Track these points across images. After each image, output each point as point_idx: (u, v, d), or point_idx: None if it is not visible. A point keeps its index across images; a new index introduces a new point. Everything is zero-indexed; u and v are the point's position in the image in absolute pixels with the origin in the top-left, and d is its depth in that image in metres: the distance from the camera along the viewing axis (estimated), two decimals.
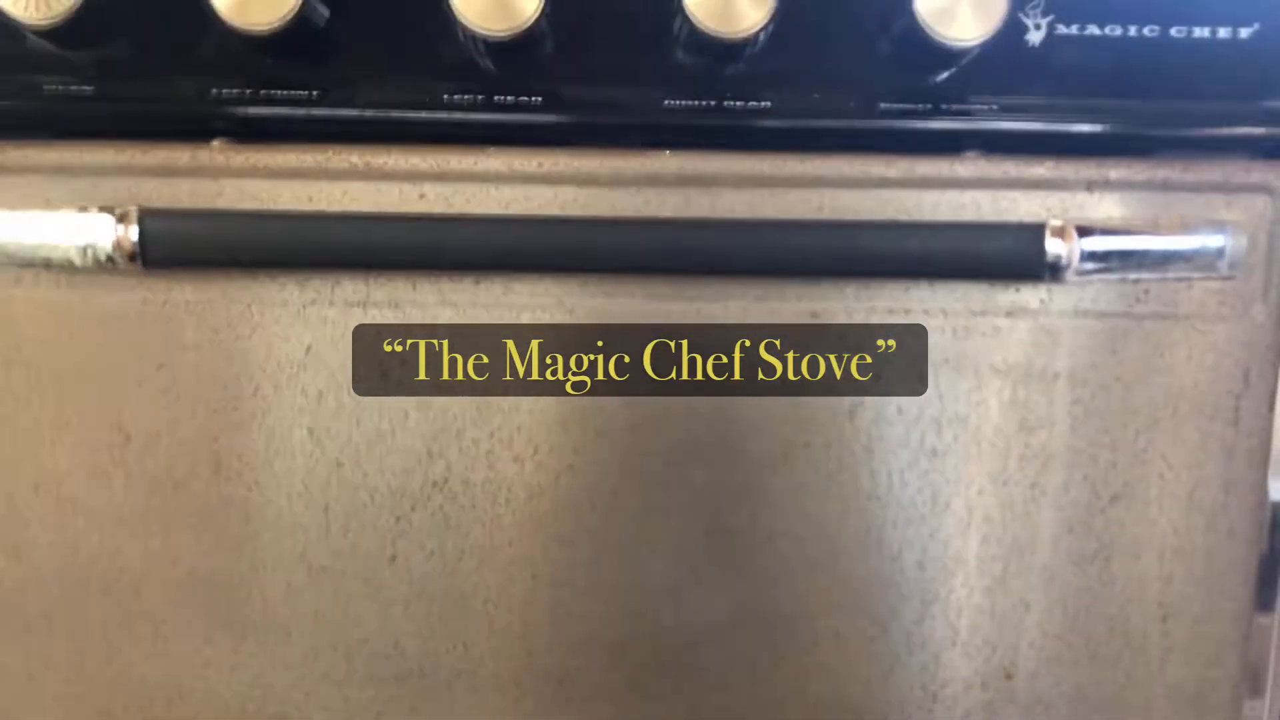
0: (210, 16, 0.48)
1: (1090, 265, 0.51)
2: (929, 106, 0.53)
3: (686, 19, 0.49)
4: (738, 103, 0.53)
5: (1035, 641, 0.56)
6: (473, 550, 0.55)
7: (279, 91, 0.52)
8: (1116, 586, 0.56)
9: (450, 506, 0.54)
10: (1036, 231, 0.50)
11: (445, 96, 0.52)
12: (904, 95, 0.53)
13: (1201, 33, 0.54)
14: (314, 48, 0.52)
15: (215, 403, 0.53)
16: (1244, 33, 0.54)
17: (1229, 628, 0.56)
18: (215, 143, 0.52)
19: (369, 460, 0.53)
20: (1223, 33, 0.54)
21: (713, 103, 0.53)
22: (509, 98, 0.52)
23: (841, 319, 0.53)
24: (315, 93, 0.52)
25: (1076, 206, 0.52)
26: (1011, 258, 0.50)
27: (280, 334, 0.52)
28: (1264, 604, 0.58)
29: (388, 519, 0.54)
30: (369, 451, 0.54)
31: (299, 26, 0.49)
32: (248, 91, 0.52)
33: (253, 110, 0.52)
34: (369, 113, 0.52)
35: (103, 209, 0.49)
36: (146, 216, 0.48)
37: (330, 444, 0.53)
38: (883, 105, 0.53)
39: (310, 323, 0.52)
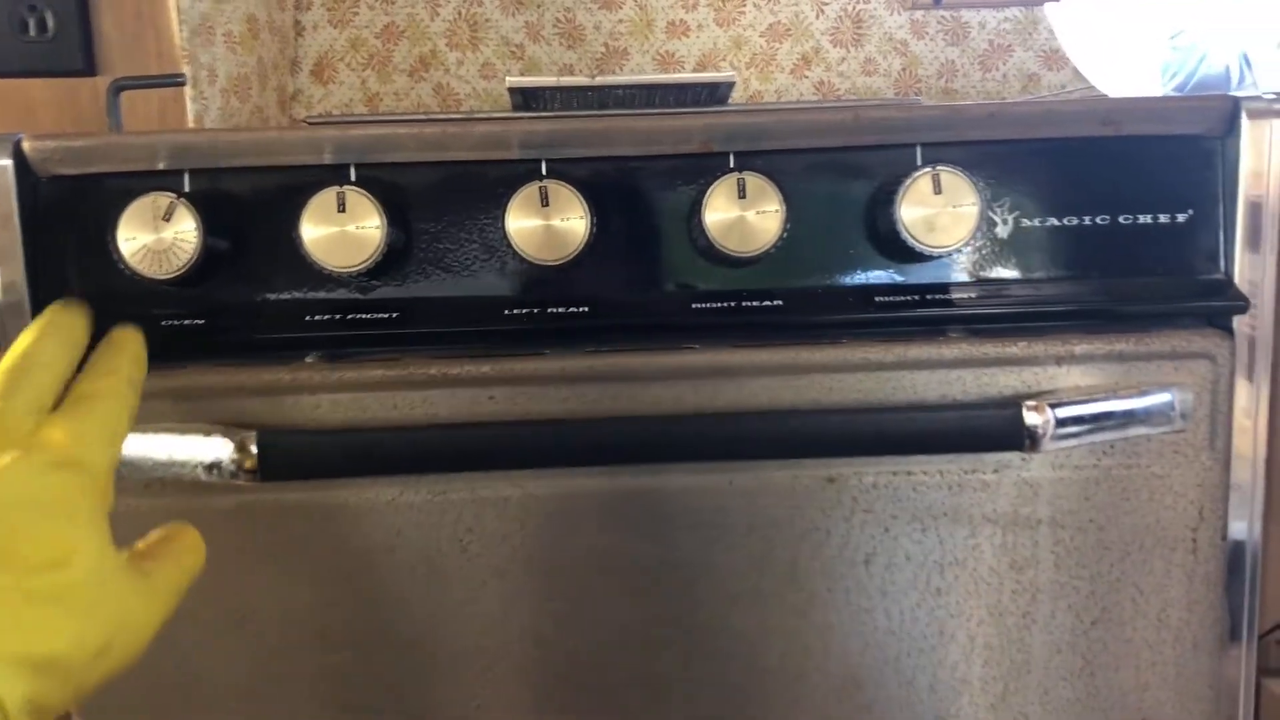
0: (304, 259, 0.57)
1: (1063, 431, 0.60)
2: (916, 297, 0.62)
3: (709, 241, 0.58)
4: (754, 303, 0.62)
5: None
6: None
7: (364, 314, 0.60)
8: (1101, 697, 0.64)
9: (531, 664, 0.62)
10: (1016, 410, 0.59)
11: (505, 311, 0.61)
12: (894, 289, 0.62)
13: (1145, 219, 0.63)
14: (393, 277, 0.60)
15: (320, 584, 0.61)
16: (1180, 218, 0.63)
17: None
18: (310, 359, 0.60)
19: (460, 632, 0.62)
20: (1163, 218, 0.63)
21: (732, 304, 0.62)
22: (560, 308, 0.61)
23: (853, 482, 0.62)
24: (396, 314, 0.61)
25: (1048, 379, 0.61)
26: (996, 433, 0.59)
27: (374, 522, 0.61)
28: (1228, 699, 0.67)
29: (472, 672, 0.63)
30: (452, 616, 0.62)
31: (380, 262, 0.58)
32: (338, 316, 0.60)
33: (342, 333, 0.60)
34: (442, 329, 0.61)
35: (225, 431, 0.57)
36: (264, 441, 0.57)
37: (419, 608, 0.62)
38: (878, 299, 0.62)
39: (399, 510, 0.61)
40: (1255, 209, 0.62)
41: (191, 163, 0.60)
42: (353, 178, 0.60)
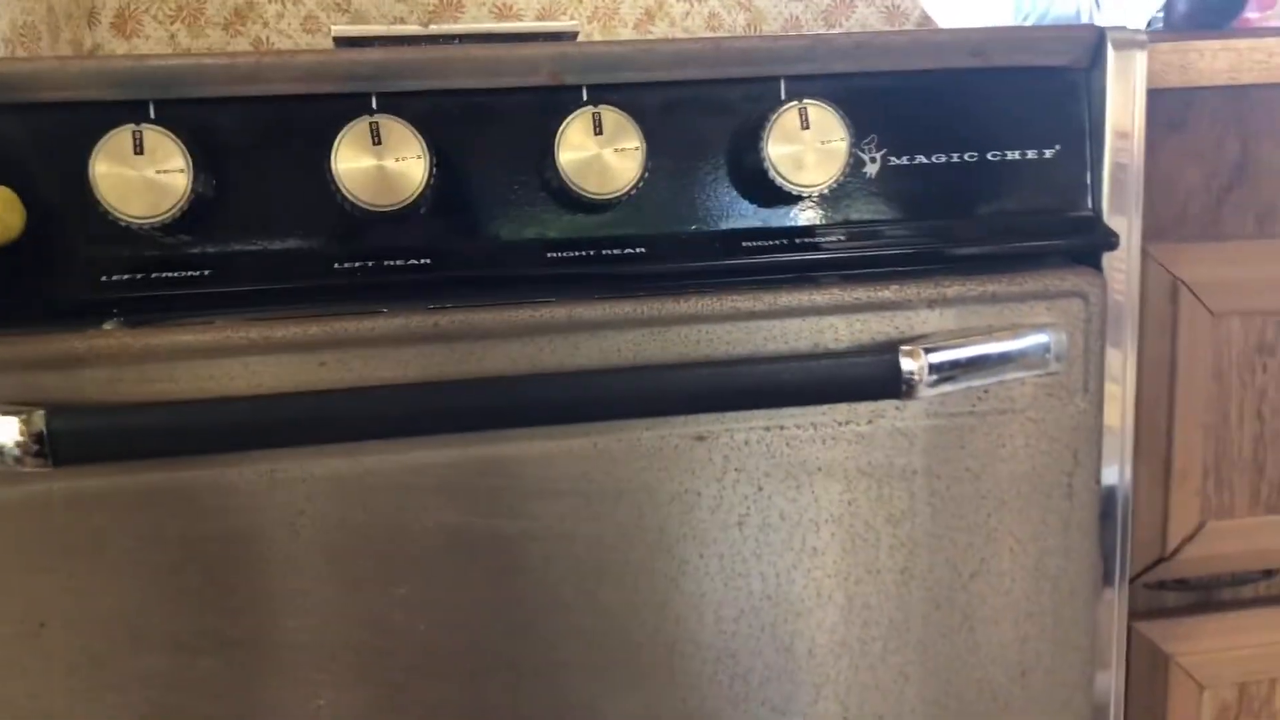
0: (96, 209, 0.49)
1: (938, 377, 0.57)
2: (785, 241, 0.58)
3: (564, 181, 0.53)
4: (615, 250, 0.57)
5: (916, 708, 0.62)
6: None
7: (170, 273, 0.53)
8: (981, 651, 0.62)
9: (378, 656, 0.56)
10: (892, 356, 0.56)
11: (335, 264, 0.54)
12: (762, 233, 0.58)
13: (1013, 155, 0.61)
14: (205, 228, 0.53)
15: (130, 584, 0.53)
16: (1048, 153, 0.61)
17: (1077, 675, 0.64)
18: (108, 325, 0.53)
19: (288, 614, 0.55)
20: (1030, 154, 0.61)
21: (592, 252, 0.56)
22: (398, 261, 0.55)
23: (724, 440, 0.58)
24: (208, 271, 0.53)
25: (920, 323, 0.59)
26: (873, 380, 0.56)
27: (193, 511, 0.53)
28: (1101, 645, 0.66)
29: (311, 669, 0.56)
30: (286, 606, 0.55)
31: (188, 211, 0.50)
32: (138, 276, 0.53)
33: (144, 294, 0.53)
34: (262, 286, 0.54)
35: (8, 410, 0.49)
36: (53, 418, 0.49)
37: (247, 601, 0.55)
38: (745, 244, 0.58)
39: (221, 494, 0.54)
40: (1122, 141, 0.61)
41: None
42: (151, 115, 0.52)
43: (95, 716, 0.55)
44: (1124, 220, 0.62)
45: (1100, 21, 0.87)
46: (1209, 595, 0.72)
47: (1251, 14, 0.88)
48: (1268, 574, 0.72)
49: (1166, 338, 0.65)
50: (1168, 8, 0.86)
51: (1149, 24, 0.89)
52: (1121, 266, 0.62)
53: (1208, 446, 0.67)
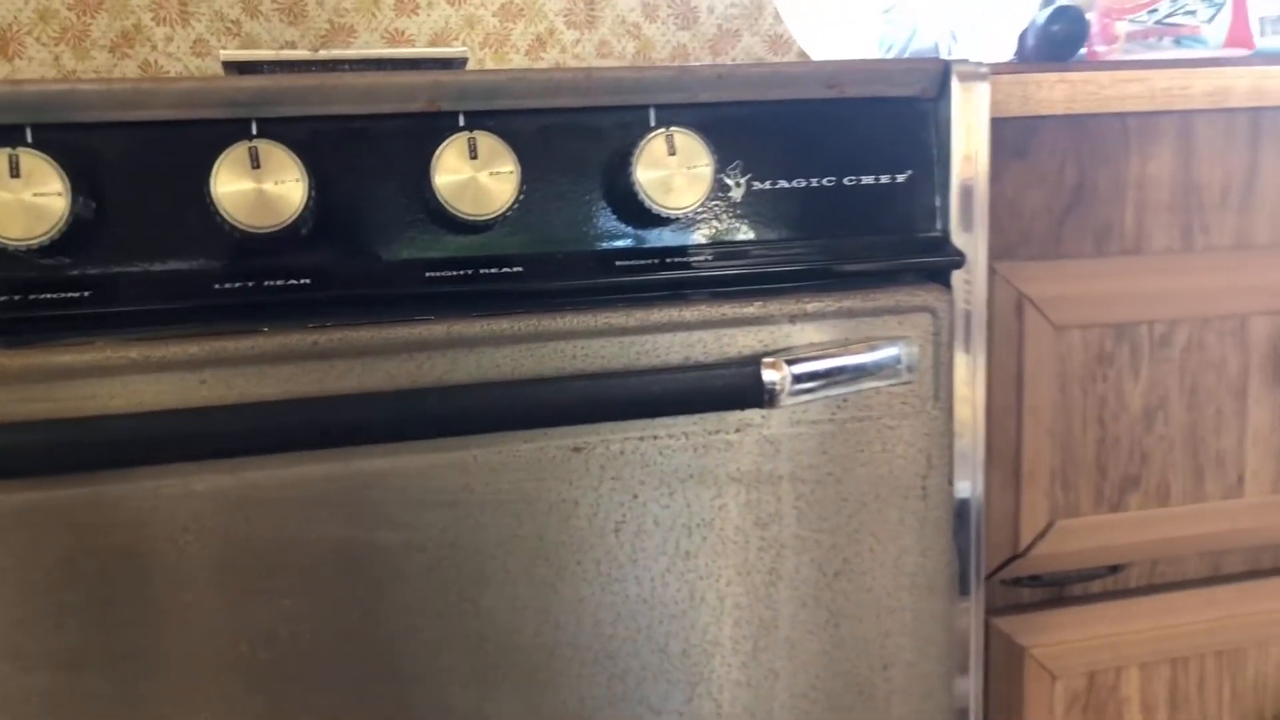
0: None
1: (799, 386, 0.61)
2: (656, 261, 0.61)
3: (441, 203, 0.55)
4: (492, 269, 0.59)
5: (785, 703, 0.65)
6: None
7: (48, 294, 0.54)
8: (846, 647, 0.66)
9: (265, 668, 0.57)
10: (754, 367, 0.59)
11: (215, 285, 0.56)
12: (634, 253, 0.61)
13: (868, 180, 0.65)
14: (84, 250, 0.54)
15: (10, 602, 0.54)
16: (900, 178, 0.66)
17: (937, 666, 0.68)
18: None
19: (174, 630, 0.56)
20: (884, 179, 0.65)
21: (469, 271, 0.59)
22: (278, 281, 0.56)
23: (600, 450, 0.60)
24: (87, 292, 0.54)
25: (784, 337, 0.62)
26: (738, 392, 0.59)
27: (72, 525, 0.54)
28: (960, 639, 0.70)
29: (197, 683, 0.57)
30: (171, 620, 0.56)
31: (67, 232, 0.51)
32: (15, 297, 0.53)
33: (22, 315, 0.53)
34: (142, 306, 0.55)
35: None
36: None
37: (132, 616, 0.56)
38: (618, 263, 0.61)
39: (102, 509, 0.54)
40: (968, 166, 0.65)
41: None
42: (29, 139, 0.53)
43: None
44: (972, 240, 0.66)
45: (957, 54, 0.92)
46: (1061, 591, 0.77)
47: (1099, 47, 0.94)
48: (1114, 569, 0.77)
49: (1014, 349, 0.70)
50: (1020, 41, 0.92)
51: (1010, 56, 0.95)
52: (971, 284, 0.67)
53: (1054, 451, 0.72)
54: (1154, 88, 0.70)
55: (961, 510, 0.68)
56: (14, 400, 0.53)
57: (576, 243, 0.60)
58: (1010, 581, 0.76)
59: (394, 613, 0.59)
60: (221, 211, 0.53)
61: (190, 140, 0.55)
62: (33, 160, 0.51)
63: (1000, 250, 0.70)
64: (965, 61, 0.65)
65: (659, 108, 0.61)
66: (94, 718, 0.56)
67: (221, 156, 0.53)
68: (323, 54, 0.80)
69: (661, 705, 0.63)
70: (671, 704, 0.64)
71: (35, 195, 0.51)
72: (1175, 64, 0.71)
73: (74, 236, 0.52)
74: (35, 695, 0.55)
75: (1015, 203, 0.70)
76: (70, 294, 0.54)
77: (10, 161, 0.50)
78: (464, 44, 1.23)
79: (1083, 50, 0.86)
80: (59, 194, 0.51)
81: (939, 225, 0.66)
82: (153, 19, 1.14)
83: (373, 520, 0.58)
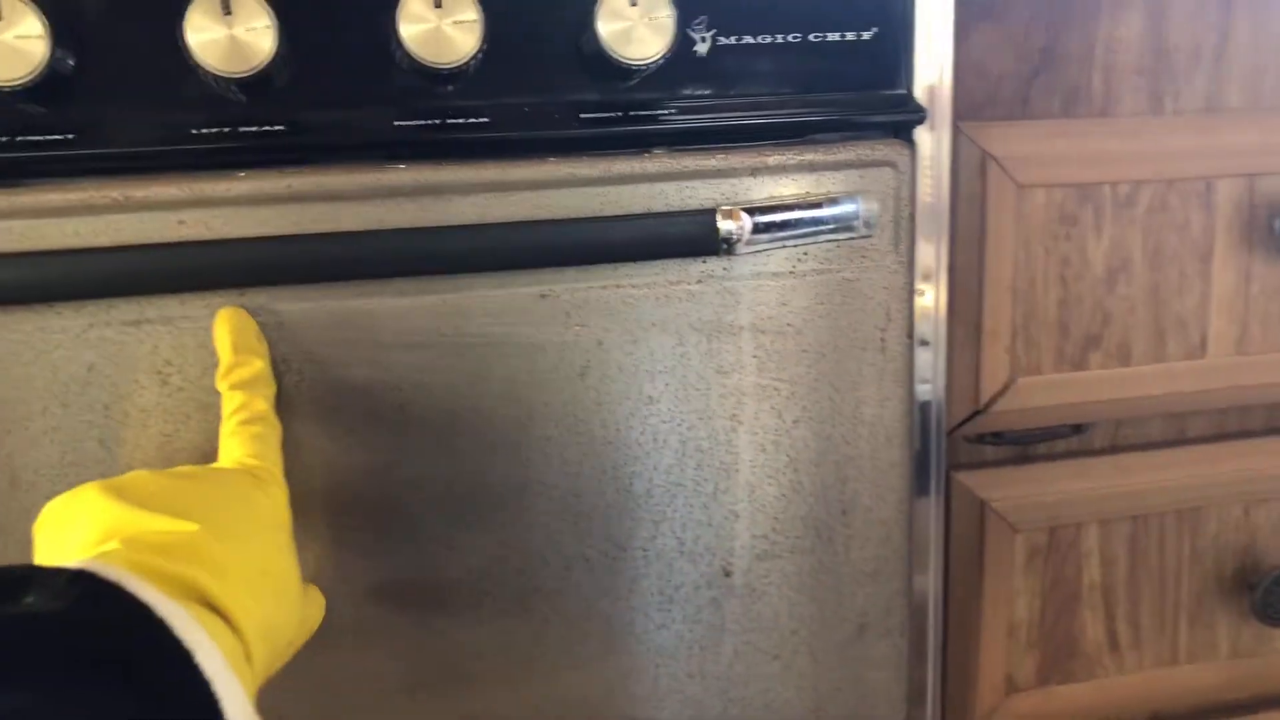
0: None
1: (757, 237, 0.63)
2: (621, 114, 0.63)
3: (405, 51, 0.57)
4: (459, 119, 0.61)
5: (746, 544, 0.69)
6: None
7: (35, 136, 0.56)
8: (805, 491, 0.69)
9: None
10: (710, 216, 0.61)
11: (193, 130, 0.58)
12: (600, 105, 0.63)
13: (834, 36, 0.66)
14: (65, 94, 0.56)
15: (7, 424, 0.58)
16: (866, 35, 0.67)
17: (894, 514, 0.71)
18: None
19: (157, 462, 0.60)
20: (850, 35, 0.66)
21: (437, 121, 0.61)
22: (254, 127, 0.59)
23: (566, 298, 0.63)
24: (71, 135, 0.57)
25: (744, 189, 0.64)
26: (693, 239, 0.61)
27: (64, 356, 0.57)
28: (921, 494, 0.73)
29: None
30: (157, 454, 0.60)
31: (48, 77, 0.54)
32: (3, 138, 0.56)
33: (10, 155, 0.56)
34: (123, 149, 0.58)
35: None
36: None
37: (120, 450, 0.59)
38: (583, 115, 0.62)
39: (90, 343, 0.58)
40: (935, 25, 0.66)
41: None
42: None
43: None
44: (936, 98, 0.68)
45: None
46: (1025, 450, 0.80)
47: None
48: (1077, 429, 0.79)
49: (977, 208, 0.72)
50: None
51: None
52: (934, 140, 0.68)
53: (1016, 308, 0.73)
54: None
55: (922, 363, 0.70)
56: (4, 236, 0.56)
57: (542, 94, 0.62)
58: (974, 439, 0.78)
59: (368, 449, 0.62)
60: (195, 58, 0.55)
61: None
62: (12, 2, 0.53)
63: (966, 111, 0.71)
64: None
65: None
66: None
67: (193, 2, 0.55)
68: None
69: (626, 542, 0.67)
70: (636, 540, 0.67)
71: (16, 38, 0.53)
72: None
73: (54, 80, 0.55)
74: (25, 516, 0.59)
75: (983, 64, 0.71)
76: (54, 136, 0.57)
77: None
78: None
79: None
80: (40, 37, 0.53)
81: (903, 83, 0.67)
82: None
83: (345, 358, 0.61)
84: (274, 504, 0.53)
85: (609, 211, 0.63)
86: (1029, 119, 0.72)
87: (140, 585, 0.40)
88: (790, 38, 0.65)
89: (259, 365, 0.57)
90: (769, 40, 0.65)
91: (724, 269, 0.65)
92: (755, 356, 0.66)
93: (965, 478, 0.77)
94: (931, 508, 0.74)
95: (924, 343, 0.71)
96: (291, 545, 0.53)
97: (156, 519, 0.46)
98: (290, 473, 0.60)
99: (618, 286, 0.64)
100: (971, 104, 0.72)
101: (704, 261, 0.64)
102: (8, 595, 0.38)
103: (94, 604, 0.39)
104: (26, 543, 0.58)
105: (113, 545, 0.44)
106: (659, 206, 0.63)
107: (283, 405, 0.60)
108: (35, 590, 0.38)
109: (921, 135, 0.68)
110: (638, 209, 0.63)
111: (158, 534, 0.45)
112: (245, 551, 0.48)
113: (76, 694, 0.35)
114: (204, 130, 0.58)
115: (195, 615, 0.41)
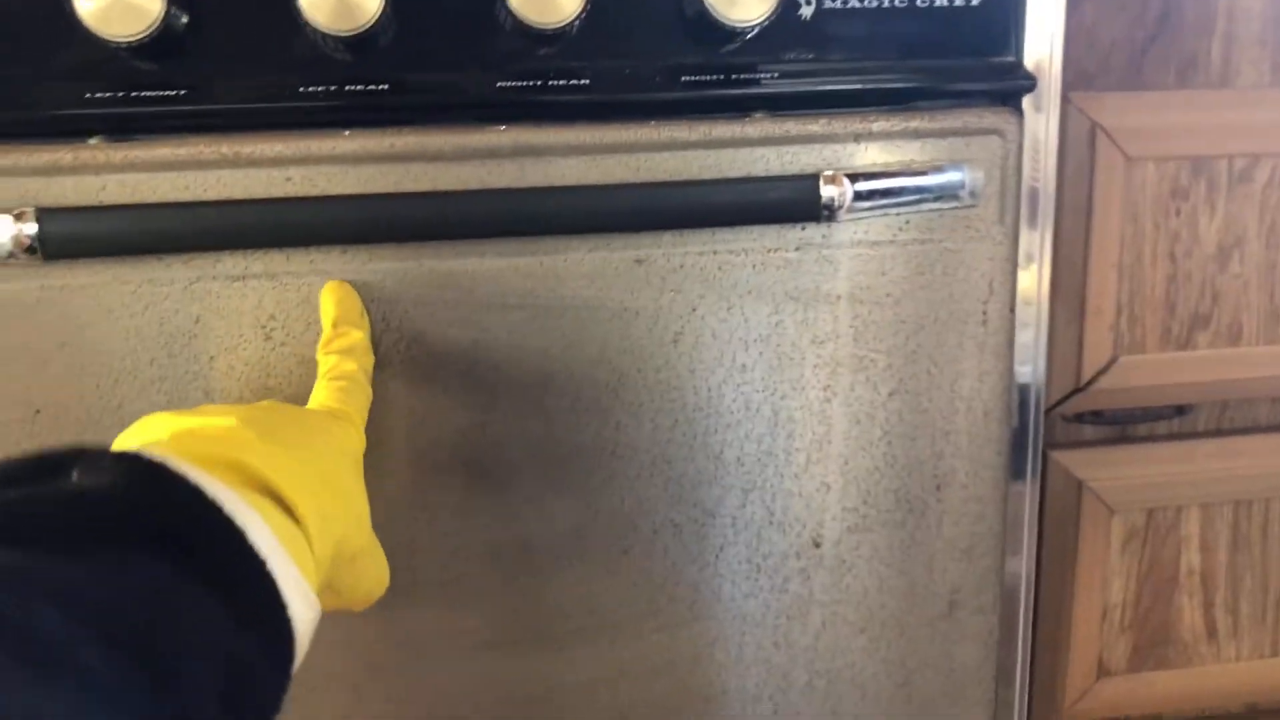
0: (79, 28, 0.54)
1: (859, 204, 0.62)
2: (722, 77, 0.62)
3: (510, 13, 0.57)
4: (560, 81, 0.61)
5: (836, 515, 0.68)
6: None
7: (149, 92, 0.58)
8: (898, 465, 0.68)
9: None
10: (813, 181, 0.60)
11: (300, 88, 0.59)
12: (700, 68, 0.62)
13: (941, 1, 0.64)
14: (177, 51, 0.57)
15: (117, 373, 0.59)
16: (975, 1, 0.65)
17: (990, 491, 0.69)
18: (93, 140, 0.57)
19: None
20: (959, 2, 0.65)
21: (539, 82, 0.61)
22: (359, 86, 0.59)
23: (661, 263, 0.63)
24: (182, 91, 0.58)
25: (847, 155, 0.63)
26: (795, 204, 0.61)
27: (170, 308, 0.59)
28: (1017, 472, 0.72)
29: None
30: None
31: (162, 34, 0.55)
32: (119, 94, 0.57)
33: (123, 110, 0.57)
34: (232, 106, 0.58)
35: (1, 210, 0.54)
36: (44, 215, 0.54)
37: (223, 402, 0.61)
38: (684, 78, 0.62)
39: (197, 296, 0.59)
40: None
41: None
42: None
43: None
44: (1045, 66, 0.66)
45: None
46: (1124, 430, 0.78)
47: None
48: (1180, 411, 0.77)
49: (1084, 180, 0.70)
50: None
51: None
52: (1043, 111, 0.66)
53: (1121, 285, 0.71)
54: None
55: (1023, 339, 0.68)
56: (118, 188, 0.57)
57: (642, 56, 0.62)
58: (1072, 418, 0.76)
59: (462, 408, 0.63)
60: (304, 15, 0.56)
61: None
62: None
63: (1077, 80, 0.69)
64: None
65: None
66: None
67: None
68: None
69: (715, 509, 0.67)
70: (725, 508, 0.67)
71: None
72: None
73: (169, 37, 0.56)
74: None
75: (1094, 32, 0.69)
76: (167, 92, 0.58)
77: None
78: None
79: None
80: None
81: (1012, 50, 0.65)
82: None
83: (443, 317, 0.61)
84: (346, 435, 0.52)
85: (708, 176, 0.62)
86: (1142, 90, 0.70)
87: (188, 468, 0.39)
88: (897, 2, 0.64)
89: (357, 336, 0.58)
90: (875, 4, 0.64)
91: (823, 236, 0.64)
92: (852, 326, 0.65)
93: (1062, 456, 0.76)
94: (1027, 486, 0.72)
95: (1023, 320, 0.69)
96: (360, 474, 0.52)
97: (210, 418, 0.45)
98: (384, 429, 0.61)
99: (714, 253, 0.63)
100: (1081, 73, 0.69)
101: (803, 228, 0.63)
102: (52, 472, 0.38)
103: (140, 482, 0.38)
104: None
105: (163, 436, 0.44)
106: (759, 171, 0.62)
107: (380, 363, 0.61)
108: (81, 468, 0.38)
109: (1027, 105, 0.66)
110: (737, 174, 0.62)
111: (207, 425, 0.45)
112: (304, 455, 0.46)
113: (125, 568, 0.34)
114: (311, 88, 0.59)
115: (247, 499, 0.40)
